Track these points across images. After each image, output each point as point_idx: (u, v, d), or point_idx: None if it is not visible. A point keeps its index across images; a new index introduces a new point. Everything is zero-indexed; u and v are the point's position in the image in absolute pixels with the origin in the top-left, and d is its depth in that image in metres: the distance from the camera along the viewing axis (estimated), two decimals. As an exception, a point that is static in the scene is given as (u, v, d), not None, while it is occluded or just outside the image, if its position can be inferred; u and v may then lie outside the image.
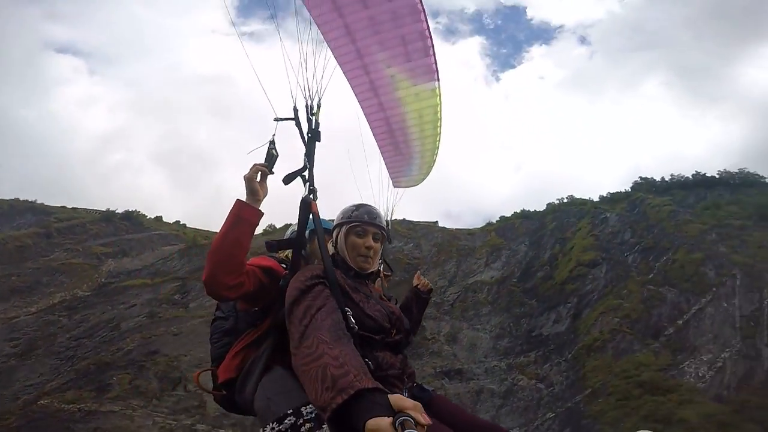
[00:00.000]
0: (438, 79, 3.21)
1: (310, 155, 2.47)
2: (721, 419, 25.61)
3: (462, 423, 2.06)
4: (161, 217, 65.23)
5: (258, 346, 2.14)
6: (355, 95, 3.43)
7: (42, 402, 25.10)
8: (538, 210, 68.99)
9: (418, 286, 3.07)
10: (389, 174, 3.92)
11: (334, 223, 2.31)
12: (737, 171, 67.45)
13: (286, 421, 1.75)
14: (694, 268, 41.98)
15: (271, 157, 2.29)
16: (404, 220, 66.03)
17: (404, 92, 3.33)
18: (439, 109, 3.40)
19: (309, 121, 2.55)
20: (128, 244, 49.68)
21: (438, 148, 3.70)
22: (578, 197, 67.56)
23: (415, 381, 2.16)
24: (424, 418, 1.07)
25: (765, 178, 65.94)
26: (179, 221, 67.96)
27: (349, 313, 1.78)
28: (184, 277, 40.37)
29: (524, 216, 68.49)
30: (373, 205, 2.35)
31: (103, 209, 59.97)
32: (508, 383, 37.29)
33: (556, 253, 54.49)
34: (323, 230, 2.15)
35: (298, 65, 2.57)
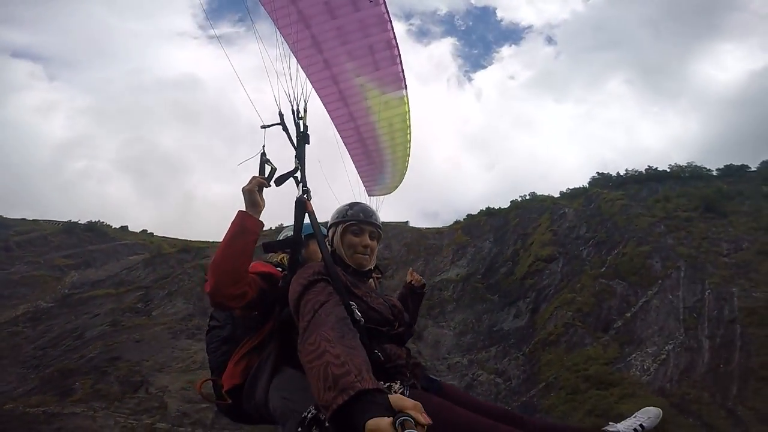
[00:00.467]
0: (405, 87, 3.24)
1: (301, 157, 2.49)
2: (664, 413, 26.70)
3: (474, 407, 2.05)
4: (127, 226, 64.81)
5: (261, 351, 2.13)
6: (324, 105, 3.42)
7: (7, 407, 25.20)
8: (503, 207, 70.25)
9: (412, 282, 3.07)
10: (363, 183, 3.92)
11: (330, 222, 2.33)
12: (686, 164, 69.08)
13: (309, 414, 1.71)
14: (641, 260, 43.30)
15: (266, 168, 2.32)
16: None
17: (373, 101, 3.30)
18: (408, 117, 3.40)
19: (297, 124, 2.60)
20: (91, 255, 49.23)
21: (409, 155, 3.69)
22: (540, 194, 69.35)
23: (423, 371, 2.16)
24: (424, 418, 1.08)
25: (712, 171, 68.41)
26: (146, 230, 67.50)
27: (354, 306, 1.79)
28: (148, 286, 40.46)
29: (489, 213, 69.96)
30: (366, 203, 2.35)
31: (66, 220, 58.97)
32: (468, 378, 38.05)
33: (518, 249, 55.71)
34: (315, 217, 2.22)
35: (281, 71, 2.62)
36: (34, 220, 59.72)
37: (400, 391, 1.75)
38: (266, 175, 2.29)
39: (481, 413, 1.95)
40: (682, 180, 65.55)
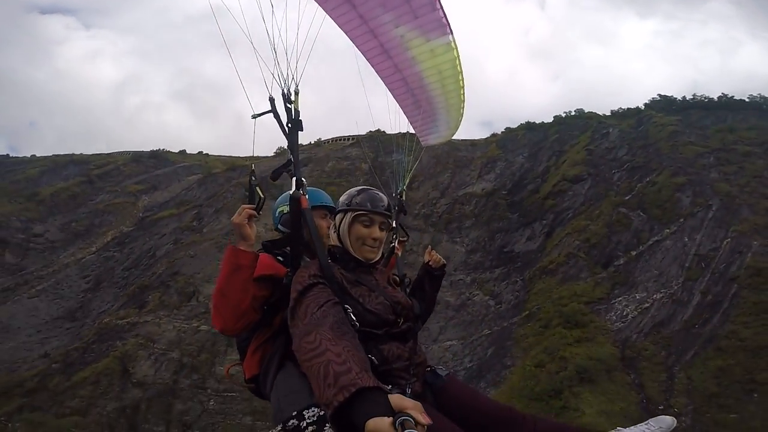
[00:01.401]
0: (451, 32, 3.05)
1: (293, 147, 2.25)
2: (606, 365, 26.71)
3: (476, 408, 2.01)
4: (185, 150, 70.12)
5: (274, 342, 2.11)
6: (368, 60, 3.28)
7: (105, 321, 33.69)
8: (545, 122, 64.81)
9: (430, 263, 2.83)
10: (416, 133, 3.82)
11: (339, 207, 2.13)
12: (759, 96, 58.92)
13: (289, 423, 1.75)
14: (670, 192, 39.74)
15: (255, 196, 2.13)
16: (407, 133, 66.00)
17: (417, 50, 3.14)
18: (458, 62, 3.23)
19: (288, 110, 2.28)
20: (157, 180, 55.65)
21: (464, 101, 3.56)
22: (588, 111, 62.99)
23: (428, 366, 2.08)
24: (424, 418, 1.05)
25: None
26: (202, 151, 72.87)
27: (350, 311, 1.74)
28: (200, 205, 46.02)
29: (529, 128, 64.86)
30: (375, 189, 2.15)
31: (134, 150, 65.55)
32: (464, 297, 39.86)
33: (551, 166, 52.69)
34: (311, 214, 2.08)
35: (270, 50, 2.29)
36: (108, 153, 67.18)
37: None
38: (255, 204, 2.10)
39: (484, 412, 1.97)
40: (761, 112, 56.00)
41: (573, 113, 63.14)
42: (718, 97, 60.79)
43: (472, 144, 64.77)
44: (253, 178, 2.22)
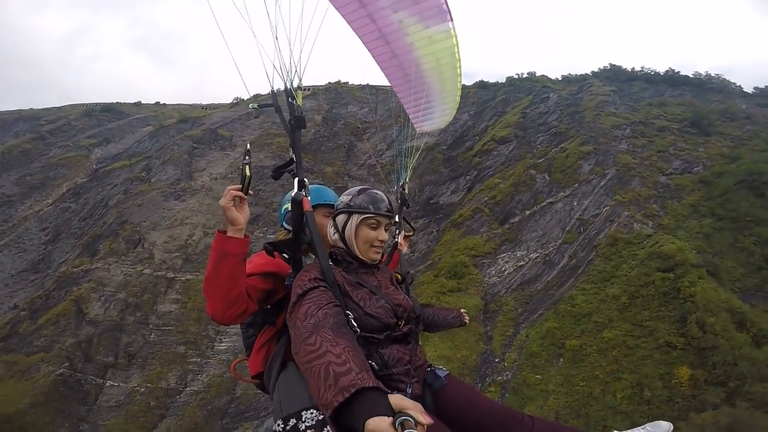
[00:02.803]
0: (451, 20, 2.90)
1: (295, 146, 2.06)
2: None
3: (475, 409, 1.97)
4: (140, 102, 68.80)
5: (278, 340, 2.06)
6: (364, 45, 3.11)
7: (62, 270, 37.04)
8: (499, 82, 65.56)
9: (459, 318, 2.89)
10: (411, 119, 3.64)
11: (340, 206, 2.01)
12: (714, 75, 61.03)
13: (290, 422, 1.73)
14: (575, 159, 40.94)
15: (245, 177, 1.85)
16: (367, 85, 64.90)
17: (415, 36, 2.97)
18: (456, 50, 3.05)
19: (291, 106, 2.09)
20: (110, 133, 55.84)
21: (460, 89, 3.41)
22: (540, 74, 64.98)
23: (428, 366, 2.05)
24: (424, 418, 1.03)
25: (741, 87, 59.43)
26: (158, 101, 71.59)
27: (351, 316, 1.71)
28: (150, 156, 47.32)
29: (482, 86, 65.60)
30: (376, 189, 2.04)
31: (87, 103, 63.75)
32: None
33: (490, 125, 53.22)
34: (313, 217, 1.95)
35: (272, 41, 2.10)
36: (59, 107, 65.78)
37: None
38: (242, 184, 1.84)
39: (483, 413, 1.94)
40: (698, 89, 57.49)
41: (525, 75, 64.12)
42: (664, 71, 61.83)
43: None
44: (246, 157, 1.94)
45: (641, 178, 38.06)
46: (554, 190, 39.75)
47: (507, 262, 35.32)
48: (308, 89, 63.64)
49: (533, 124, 49.73)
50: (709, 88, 58.47)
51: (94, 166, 50.66)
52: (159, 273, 37.23)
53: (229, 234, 1.83)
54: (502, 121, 52.04)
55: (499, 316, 30.18)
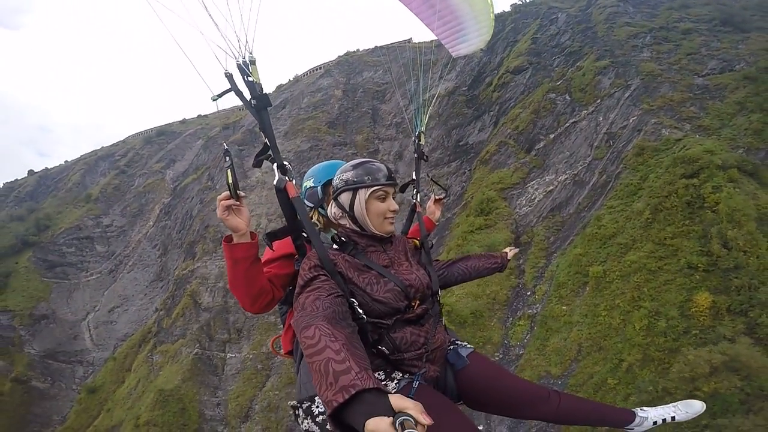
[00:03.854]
0: None
1: (265, 128, 1.84)
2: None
3: (500, 387, 1.94)
4: (185, 118, 74.29)
5: None
6: None
7: (176, 274, 45.74)
8: (505, 11, 59.28)
9: (500, 262, 2.66)
10: (445, 44, 3.39)
11: (341, 185, 1.91)
12: None
13: (304, 404, 1.77)
14: (592, 76, 38.73)
15: (228, 184, 1.77)
16: (375, 48, 64.48)
17: None
18: None
19: (249, 84, 1.83)
20: (172, 153, 62.57)
21: (492, 4, 3.14)
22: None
23: (450, 344, 1.99)
24: (425, 418, 1.02)
25: None
26: (200, 114, 76.11)
27: (356, 303, 1.65)
28: (209, 166, 53.12)
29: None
30: (371, 160, 1.95)
31: (143, 130, 71.10)
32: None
33: (505, 58, 50.54)
34: (302, 203, 1.86)
35: (208, 17, 1.71)
36: (123, 140, 73.63)
37: (396, 388, 1.67)
38: (230, 191, 1.77)
39: (508, 391, 1.92)
40: None
41: (527, 0, 58.29)
42: None
43: (437, 45, 62.34)
44: (227, 159, 1.80)
45: (671, 83, 35.23)
46: (576, 110, 38.24)
47: (536, 189, 34.87)
48: (320, 68, 64.88)
49: (546, 47, 47.33)
50: None
51: (171, 186, 58.55)
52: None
53: (235, 241, 1.83)
54: (515, 50, 49.98)
55: (531, 248, 29.51)
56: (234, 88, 1.87)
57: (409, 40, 66.35)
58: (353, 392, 1.11)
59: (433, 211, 3.00)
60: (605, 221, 26.41)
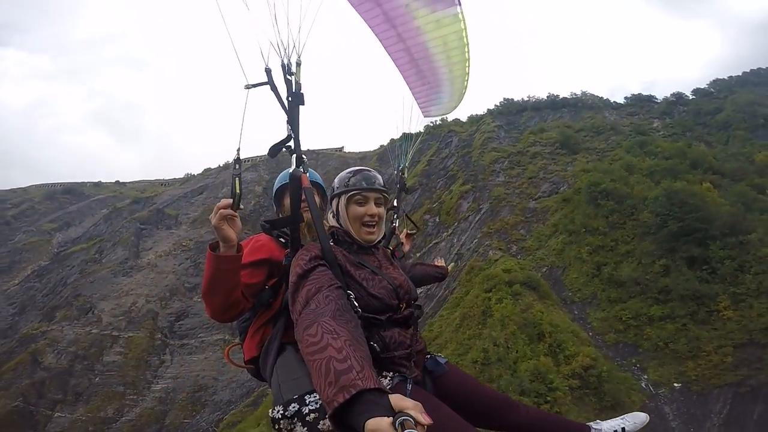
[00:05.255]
0: (459, 4, 2.91)
1: (293, 122, 2.07)
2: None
3: (474, 396, 2.07)
4: (101, 181, 77.05)
5: (274, 324, 2.05)
6: (370, 28, 3.08)
7: (23, 332, 44.79)
8: (420, 132, 69.10)
9: (442, 271, 3.12)
10: (418, 104, 3.68)
11: (332, 192, 2.07)
12: (581, 94, 66.36)
13: (290, 407, 1.72)
14: (456, 199, 45.40)
15: (236, 194, 1.88)
16: (308, 150, 74.12)
17: (423, 20, 2.96)
18: (464, 34, 3.06)
19: (288, 82, 2.09)
20: (70, 216, 63.74)
21: (469, 74, 3.38)
22: (448, 120, 64.81)
23: (428, 354, 2.09)
24: (424, 418, 1.05)
25: (609, 99, 65.29)
26: (118, 180, 79.46)
27: (352, 296, 1.70)
28: (103, 239, 55.56)
29: (407, 138, 68.65)
30: (369, 169, 2.09)
31: (49, 183, 70.72)
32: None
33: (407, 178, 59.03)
34: (312, 193, 1.97)
35: (268, 16, 2.03)
36: (24, 188, 73.14)
37: (389, 386, 1.73)
38: (232, 201, 1.85)
39: (481, 400, 2.07)
40: (576, 109, 62.93)
41: (438, 123, 66.14)
42: (546, 97, 67.29)
43: (363, 156, 71.65)
44: (236, 167, 1.92)
45: (511, 207, 41.60)
46: (440, 231, 44.05)
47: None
48: (248, 161, 70.23)
49: (435, 170, 53.93)
50: (582, 107, 63.72)
51: (55, 250, 58.26)
52: (105, 332, 44.50)
53: (222, 252, 1.83)
54: (413, 171, 55.87)
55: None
56: (270, 82, 2.09)
57: (341, 149, 74.73)
58: (354, 392, 1.14)
59: (404, 243, 3.15)
60: (434, 327, 31.24)
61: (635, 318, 26.90)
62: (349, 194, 1.98)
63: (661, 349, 24.68)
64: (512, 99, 68.25)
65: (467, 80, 3.49)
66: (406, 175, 3.47)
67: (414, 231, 3.32)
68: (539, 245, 36.83)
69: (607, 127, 53.34)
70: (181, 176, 70.68)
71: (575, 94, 67.09)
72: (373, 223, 1.99)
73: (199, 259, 53.54)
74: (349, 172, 2.07)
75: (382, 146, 75.78)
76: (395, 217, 3.10)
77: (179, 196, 63.76)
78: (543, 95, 68.02)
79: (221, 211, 1.82)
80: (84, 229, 62.10)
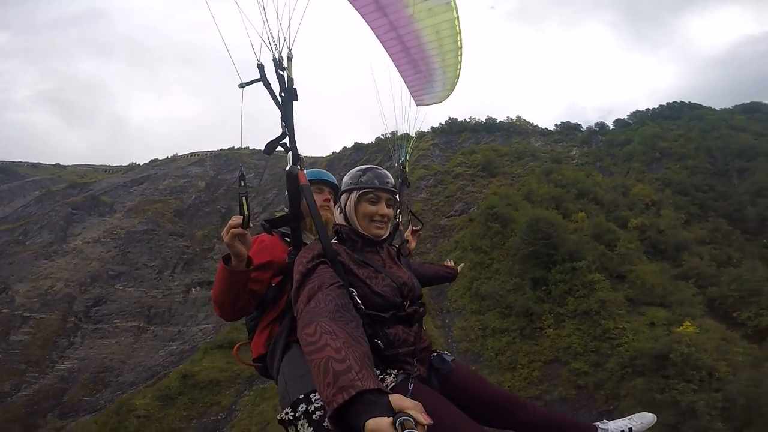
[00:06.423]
0: None
1: (287, 119, 2.09)
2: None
3: (480, 395, 2.09)
4: (39, 162, 75.46)
5: (281, 321, 2.13)
6: (361, 16, 3.13)
7: None
8: (371, 143, 71.73)
9: (452, 271, 3.23)
10: (411, 93, 3.70)
11: (342, 188, 2.11)
12: (515, 118, 70.35)
13: (299, 407, 1.77)
14: None
15: (244, 216, 1.90)
16: (258, 151, 75.17)
17: (415, 8, 3.03)
18: (456, 22, 3.13)
19: (280, 78, 2.12)
20: (0, 195, 62.97)
21: (461, 62, 3.46)
22: (402, 133, 70.37)
23: (434, 351, 2.12)
24: (424, 418, 1.06)
25: (538, 126, 69.38)
26: (59, 163, 78.07)
27: (355, 293, 1.73)
28: (30, 221, 56.09)
29: (357, 148, 72.56)
30: (380, 167, 2.13)
31: None
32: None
33: None
34: (310, 191, 1.99)
35: (258, 10, 2.07)
36: None
37: (393, 384, 1.76)
38: (242, 220, 1.91)
39: (488, 400, 2.09)
40: (509, 133, 66.92)
41: (388, 135, 73.14)
42: (485, 119, 71.19)
43: (312, 162, 72.15)
44: (242, 183, 1.96)
45: (428, 226, 44.34)
46: None
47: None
48: (195, 155, 71.63)
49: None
50: (514, 131, 67.88)
51: (-21, 227, 58.86)
52: (16, 312, 46.04)
53: (234, 266, 1.95)
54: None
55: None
56: (263, 78, 2.11)
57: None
58: (353, 393, 1.15)
59: (409, 240, 3.21)
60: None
61: (483, 329, 31.43)
62: (362, 191, 2.03)
63: (493, 359, 29.12)
64: (456, 119, 71.94)
65: (460, 69, 3.58)
66: (407, 168, 3.59)
67: (419, 227, 3.37)
68: (439, 259, 41.09)
69: (528, 153, 58.19)
70: (126, 164, 71.27)
71: (510, 118, 71.63)
72: (383, 221, 2.05)
73: (128, 248, 55.41)
74: (360, 170, 2.12)
75: (333, 153, 79.40)
76: (398, 212, 3.11)
77: (119, 185, 65.45)
78: (483, 117, 72.00)
79: (233, 230, 1.90)
80: (12, 209, 62.71)
